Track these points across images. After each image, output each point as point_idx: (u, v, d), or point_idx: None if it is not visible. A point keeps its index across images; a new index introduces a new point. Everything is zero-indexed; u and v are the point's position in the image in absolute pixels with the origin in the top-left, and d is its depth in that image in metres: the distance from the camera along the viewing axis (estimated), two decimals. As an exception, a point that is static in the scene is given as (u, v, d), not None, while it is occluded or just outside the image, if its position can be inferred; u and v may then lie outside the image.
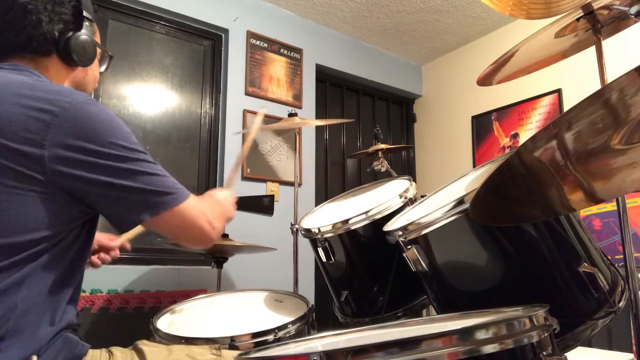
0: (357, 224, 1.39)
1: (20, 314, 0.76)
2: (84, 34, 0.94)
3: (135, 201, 0.84)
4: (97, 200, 0.84)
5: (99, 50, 1.04)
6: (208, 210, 0.96)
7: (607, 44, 1.30)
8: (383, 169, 2.34)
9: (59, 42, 0.92)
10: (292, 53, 3.22)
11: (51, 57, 0.93)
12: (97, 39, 1.03)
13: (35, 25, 0.89)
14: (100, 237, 1.27)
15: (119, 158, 0.82)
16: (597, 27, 1.25)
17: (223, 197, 1.12)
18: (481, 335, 0.60)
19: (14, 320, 0.75)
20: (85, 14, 0.96)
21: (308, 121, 2.36)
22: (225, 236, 2.11)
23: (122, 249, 1.32)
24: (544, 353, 0.64)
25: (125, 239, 1.33)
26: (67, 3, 0.93)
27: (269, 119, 3.00)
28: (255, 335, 1.24)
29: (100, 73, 1.10)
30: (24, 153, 0.76)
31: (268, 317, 1.42)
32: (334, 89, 3.64)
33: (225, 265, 2.19)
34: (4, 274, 0.76)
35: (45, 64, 0.93)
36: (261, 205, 2.46)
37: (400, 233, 1.12)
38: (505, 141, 3.35)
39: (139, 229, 1.23)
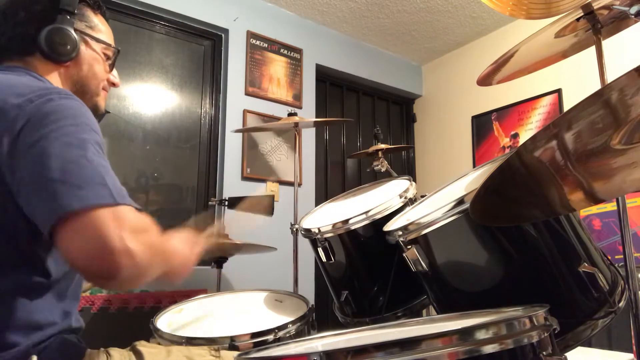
0: (357, 224, 1.39)
1: (16, 315, 0.76)
2: (55, 26, 0.90)
3: (49, 188, 0.67)
4: (17, 179, 0.70)
5: (101, 46, 1.01)
6: (139, 230, 0.69)
7: (607, 44, 1.30)
8: (383, 169, 2.34)
9: (37, 40, 0.90)
10: (292, 53, 3.22)
11: (35, 56, 0.92)
12: (93, 32, 1.00)
13: (13, 27, 0.89)
14: None
15: (60, 128, 0.71)
16: (597, 27, 1.25)
17: (182, 239, 0.86)
18: (481, 335, 0.60)
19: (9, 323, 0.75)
20: (63, 6, 0.92)
21: (306, 119, 2.35)
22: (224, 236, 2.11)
23: None
24: (544, 353, 0.64)
25: None
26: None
27: (268, 119, 3.01)
28: (255, 335, 1.24)
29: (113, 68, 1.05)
30: None
31: (268, 317, 1.42)
32: (334, 89, 3.64)
33: (225, 265, 2.19)
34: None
35: (33, 63, 0.92)
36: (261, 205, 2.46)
37: (400, 233, 1.12)
38: (505, 141, 3.35)
39: None
